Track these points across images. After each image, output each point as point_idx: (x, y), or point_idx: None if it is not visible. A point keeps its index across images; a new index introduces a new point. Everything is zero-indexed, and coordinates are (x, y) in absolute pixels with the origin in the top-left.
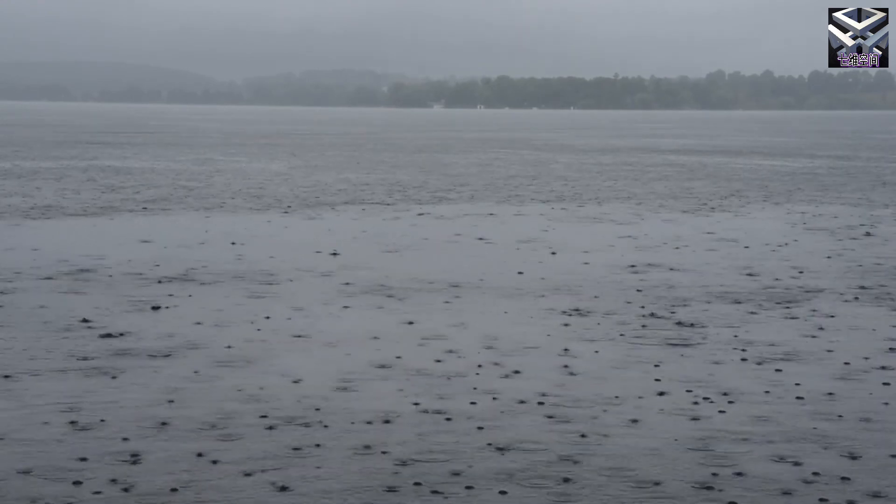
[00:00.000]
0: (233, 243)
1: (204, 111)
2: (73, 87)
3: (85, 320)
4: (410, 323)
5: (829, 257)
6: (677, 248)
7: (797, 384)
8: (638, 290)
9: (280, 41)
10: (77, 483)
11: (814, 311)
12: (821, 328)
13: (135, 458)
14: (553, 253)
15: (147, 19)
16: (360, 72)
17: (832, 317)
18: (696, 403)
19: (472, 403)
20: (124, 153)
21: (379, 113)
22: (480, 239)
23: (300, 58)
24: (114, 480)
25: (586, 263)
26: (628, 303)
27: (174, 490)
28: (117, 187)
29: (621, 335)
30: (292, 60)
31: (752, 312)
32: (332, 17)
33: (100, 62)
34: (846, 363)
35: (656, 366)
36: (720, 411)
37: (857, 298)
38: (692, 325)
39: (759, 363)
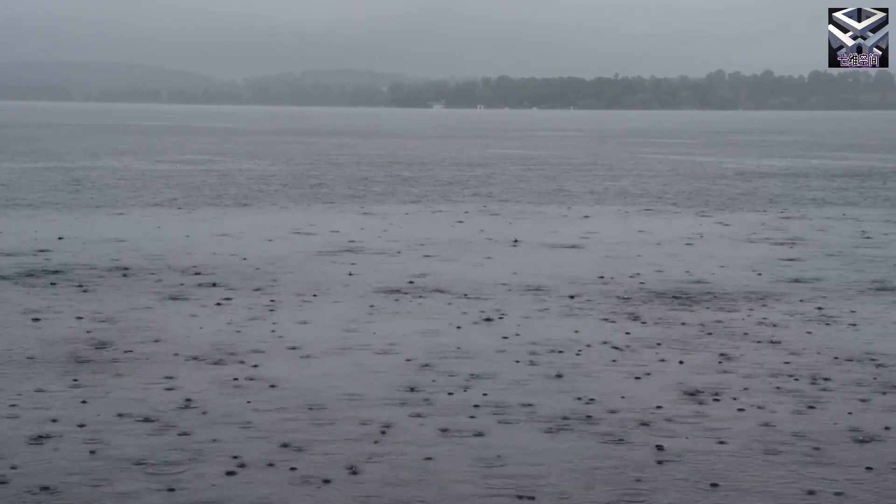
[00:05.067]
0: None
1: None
2: (73, 87)
3: None
4: None
5: None
6: None
7: None
8: None
9: (280, 41)
10: None
11: None
12: None
13: None
14: None
15: (147, 19)
16: (360, 72)
17: None
18: None
19: None
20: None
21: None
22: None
23: (300, 58)
24: None
25: None
26: None
27: None
28: None
29: None
30: (292, 60)
31: None
32: (331, 18)
33: (100, 62)
34: None
35: None
36: None
37: None
38: None
39: None
